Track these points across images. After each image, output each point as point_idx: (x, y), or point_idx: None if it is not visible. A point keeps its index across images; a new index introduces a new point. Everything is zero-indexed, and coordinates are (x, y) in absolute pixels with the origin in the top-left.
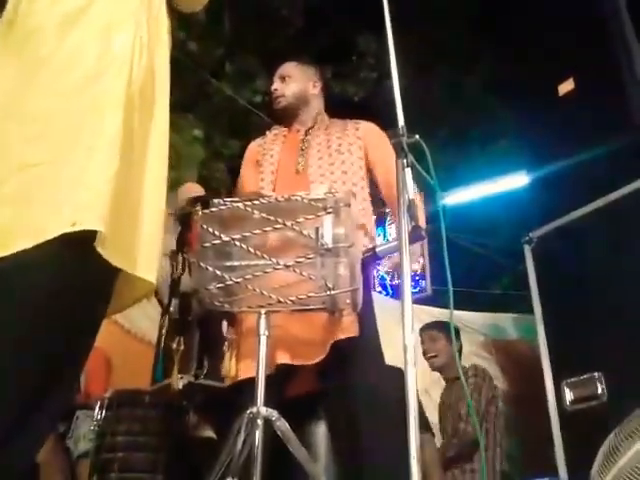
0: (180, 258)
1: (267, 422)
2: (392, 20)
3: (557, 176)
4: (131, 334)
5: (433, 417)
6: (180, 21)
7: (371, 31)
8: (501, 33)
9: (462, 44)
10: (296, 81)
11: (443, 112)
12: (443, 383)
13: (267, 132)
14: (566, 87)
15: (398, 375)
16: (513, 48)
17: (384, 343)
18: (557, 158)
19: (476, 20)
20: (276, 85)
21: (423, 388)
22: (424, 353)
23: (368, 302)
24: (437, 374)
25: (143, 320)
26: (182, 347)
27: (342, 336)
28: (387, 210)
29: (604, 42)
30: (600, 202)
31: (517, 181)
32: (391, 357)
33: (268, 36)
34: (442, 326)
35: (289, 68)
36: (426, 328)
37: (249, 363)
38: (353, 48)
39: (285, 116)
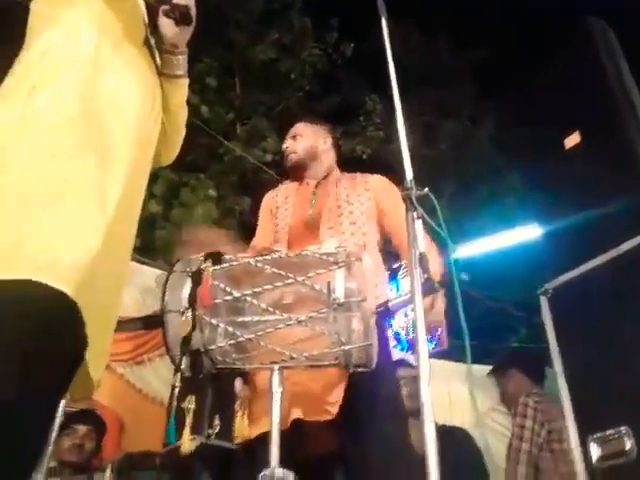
0: (191, 314)
1: None
2: (397, 81)
3: (569, 228)
4: (142, 394)
5: None
6: (193, 87)
7: (376, 92)
8: (505, 90)
9: (466, 102)
10: (306, 139)
11: (450, 168)
12: None
13: (280, 185)
14: (572, 140)
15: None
16: (517, 104)
17: None
18: (567, 211)
19: (480, 77)
20: (287, 143)
21: None
22: None
23: (386, 355)
24: None
25: (156, 381)
26: (193, 406)
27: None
28: (400, 263)
29: (609, 95)
30: (613, 252)
31: (526, 233)
32: None
33: (278, 99)
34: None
35: (300, 127)
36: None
37: (262, 421)
38: (360, 109)
39: (296, 171)
